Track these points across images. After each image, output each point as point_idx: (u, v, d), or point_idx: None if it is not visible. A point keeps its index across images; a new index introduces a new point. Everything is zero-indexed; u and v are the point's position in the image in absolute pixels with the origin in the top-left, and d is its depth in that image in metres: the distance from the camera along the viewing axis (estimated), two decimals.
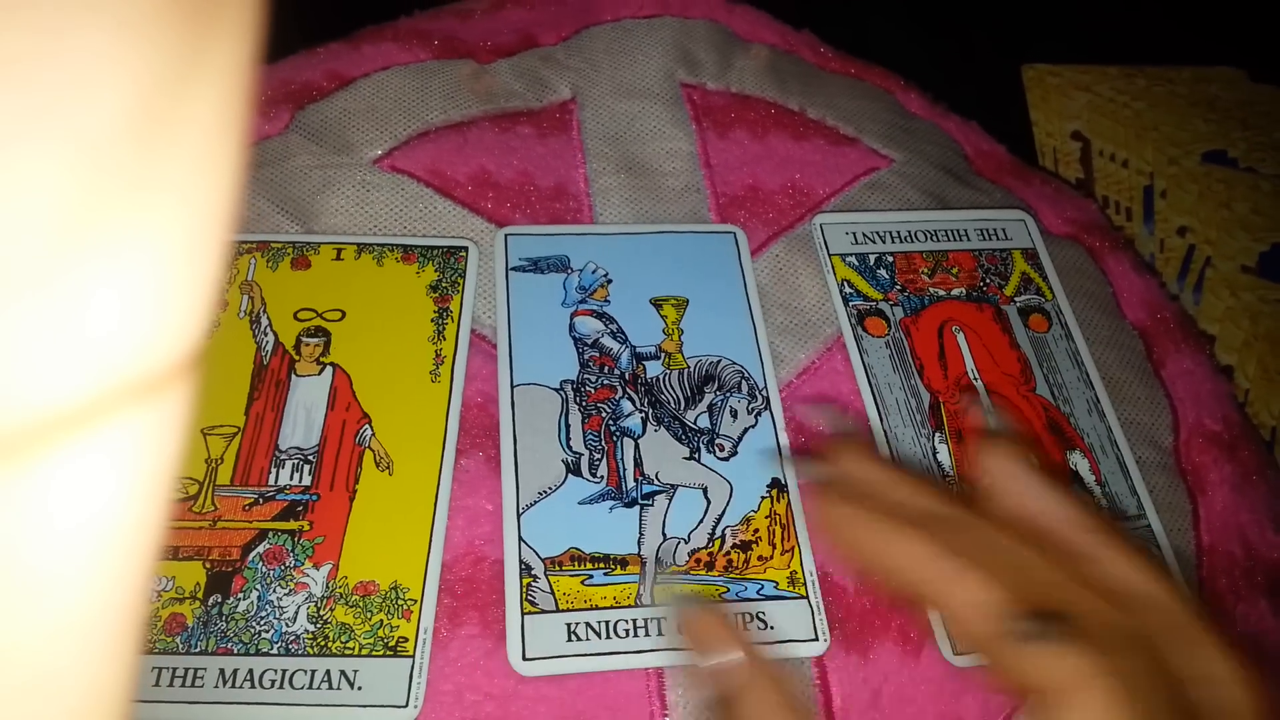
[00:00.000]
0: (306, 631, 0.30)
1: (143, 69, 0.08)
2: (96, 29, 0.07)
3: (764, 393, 0.36)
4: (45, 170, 0.08)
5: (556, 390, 0.36)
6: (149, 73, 0.08)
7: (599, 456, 0.34)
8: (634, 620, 0.31)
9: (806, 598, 0.32)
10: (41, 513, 0.09)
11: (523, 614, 0.31)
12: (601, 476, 0.34)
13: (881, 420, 0.36)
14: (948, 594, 0.24)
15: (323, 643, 0.30)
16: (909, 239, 0.41)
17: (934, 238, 0.41)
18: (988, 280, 0.40)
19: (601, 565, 0.32)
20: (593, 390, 0.36)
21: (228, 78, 0.09)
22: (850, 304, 0.39)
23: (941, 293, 0.39)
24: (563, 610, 0.31)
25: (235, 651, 0.30)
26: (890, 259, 0.40)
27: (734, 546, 0.33)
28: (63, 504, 0.09)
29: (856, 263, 0.40)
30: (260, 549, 0.31)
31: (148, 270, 0.09)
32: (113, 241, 0.08)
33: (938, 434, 0.36)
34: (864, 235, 0.41)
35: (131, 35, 0.08)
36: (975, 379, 0.37)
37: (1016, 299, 0.40)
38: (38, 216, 0.08)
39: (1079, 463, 0.36)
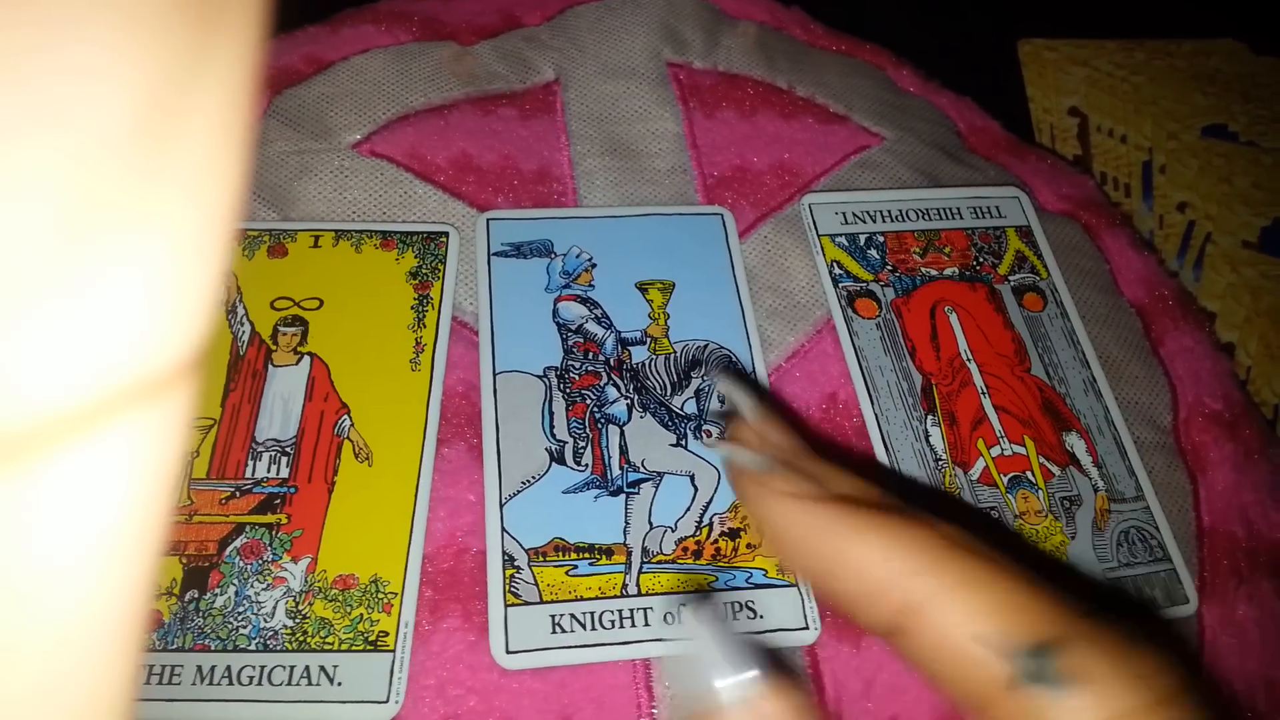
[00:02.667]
0: (285, 627, 0.29)
1: (149, 65, 0.08)
2: (102, 25, 0.07)
3: (752, 377, 0.35)
4: (50, 167, 0.08)
5: (540, 377, 0.35)
6: (155, 69, 0.08)
7: (584, 444, 0.34)
8: (620, 611, 0.30)
9: (796, 585, 0.31)
10: (46, 514, 0.09)
11: (506, 606, 0.30)
12: (586, 465, 0.33)
13: (873, 403, 0.35)
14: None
15: (302, 638, 0.29)
16: (900, 218, 0.40)
17: (926, 216, 0.40)
18: (981, 259, 0.39)
19: (586, 555, 0.31)
20: (577, 377, 0.35)
21: (233, 74, 0.09)
22: (840, 285, 0.38)
23: (934, 272, 0.39)
24: (547, 602, 0.30)
25: (213, 648, 0.29)
26: (881, 239, 0.39)
27: (722, 534, 0.32)
28: (67, 505, 0.09)
29: (846, 243, 0.39)
30: (237, 543, 0.31)
31: (154, 268, 0.09)
32: (119, 239, 0.08)
33: (930, 417, 0.35)
34: (854, 215, 0.40)
35: (137, 31, 0.08)
36: (968, 360, 0.36)
37: (1011, 278, 0.39)
38: (43, 214, 0.08)
39: (1076, 444, 0.35)
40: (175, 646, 0.29)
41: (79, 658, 0.10)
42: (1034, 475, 0.34)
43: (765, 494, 0.23)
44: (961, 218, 0.40)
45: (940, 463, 0.34)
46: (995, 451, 0.34)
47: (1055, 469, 0.34)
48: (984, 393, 0.35)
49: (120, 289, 0.08)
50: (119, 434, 0.09)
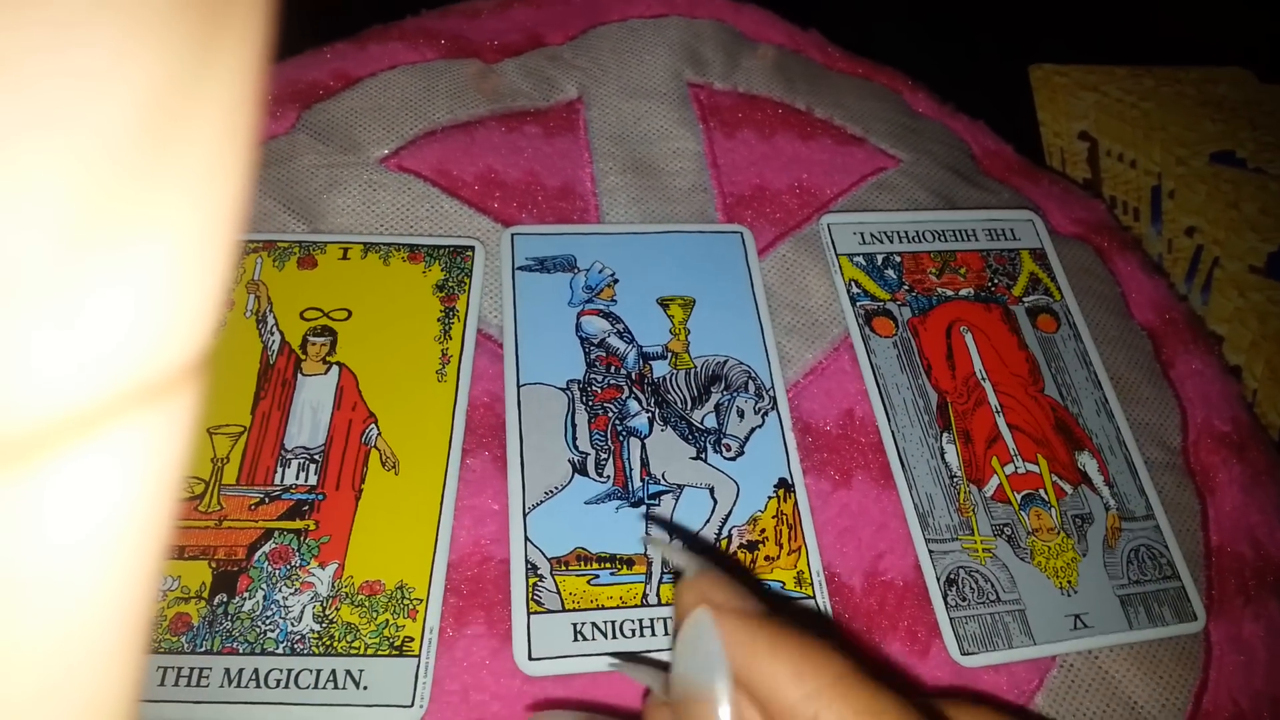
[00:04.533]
0: (312, 631, 0.30)
1: (154, 68, 0.08)
2: (107, 27, 0.07)
3: (771, 393, 0.36)
4: (56, 169, 0.08)
5: (563, 390, 0.35)
6: (160, 71, 0.08)
7: (605, 456, 0.34)
8: (640, 620, 0.31)
9: (814, 598, 0.32)
10: (50, 516, 0.09)
11: (529, 614, 0.31)
12: (608, 476, 0.34)
13: (889, 420, 0.36)
14: None
15: (328, 642, 0.30)
16: (916, 239, 0.41)
17: (941, 238, 0.41)
18: (996, 280, 0.40)
19: (608, 565, 0.32)
20: (599, 390, 0.36)
21: (238, 77, 0.09)
22: (858, 304, 0.39)
23: (949, 293, 0.39)
24: (569, 610, 0.31)
25: (241, 651, 0.30)
26: (898, 259, 0.40)
27: (741, 547, 0.33)
28: (71, 507, 0.09)
29: (864, 263, 0.40)
30: (266, 548, 0.31)
31: (158, 270, 0.09)
32: (123, 242, 0.08)
33: (945, 434, 0.36)
34: (871, 235, 0.41)
35: (143, 34, 0.08)
36: (983, 379, 0.37)
37: (1025, 299, 0.40)
38: (49, 216, 0.08)
39: (1088, 464, 0.36)
40: (204, 649, 0.30)
41: (83, 658, 0.10)
42: (1047, 493, 0.35)
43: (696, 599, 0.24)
44: (977, 239, 0.41)
45: (955, 479, 0.34)
46: (1009, 469, 0.35)
47: (1068, 487, 0.35)
48: (998, 411, 0.36)
49: (124, 292, 0.08)
50: (123, 436, 0.09)
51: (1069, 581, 0.33)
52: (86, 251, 0.08)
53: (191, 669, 0.29)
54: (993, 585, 0.32)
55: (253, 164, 0.10)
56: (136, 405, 0.09)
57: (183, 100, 0.08)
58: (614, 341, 0.37)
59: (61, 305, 0.08)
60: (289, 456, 0.33)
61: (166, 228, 0.09)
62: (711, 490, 0.34)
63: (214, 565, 0.31)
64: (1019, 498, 0.34)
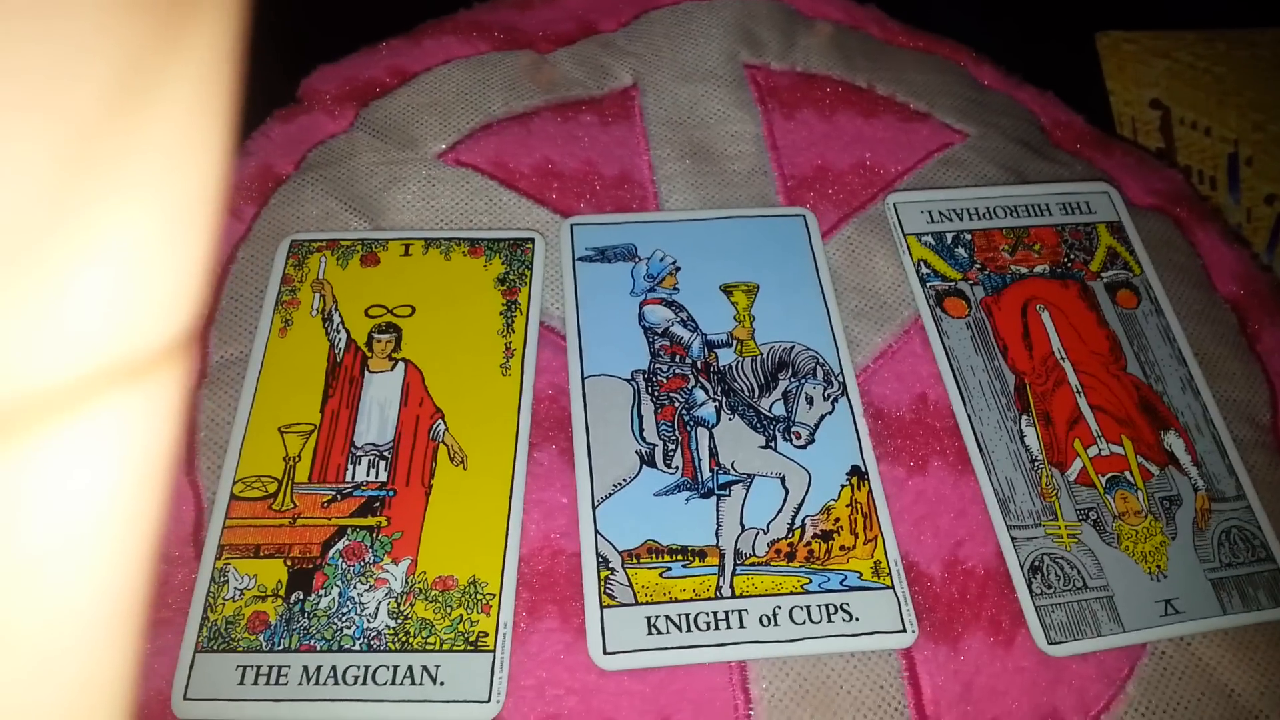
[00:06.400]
0: (388, 627, 0.30)
1: (122, 52, 0.08)
2: (76, 13, 0.08)
3: (840, 378, 0.35)
4: (27, 153, 0.08)
5: (628, 381, 0.35)
6: (129, 56, 0.08)
7: (673, 447, 0.34)
8: (714, 613, 0.30)
9: (892, 588, 0.31)
10: (32, 496, 0.09)
11: (602, 607, 0.30)
12: (676, 467, 0.33)
13: (965, 403, 0.35)
14: None
15: (404, 638, 0.30)
16: (987, 215, 0.39)
17: (1014, 213, 0.39)
18: (1072, 256, 0.39)
19: (680, 557, 0.31)
20: (665, 380, 0.35)
21: (208, 61, 0.09)
22: (928, 284, 0.38)
23: (1024, 270, 0.38)
24: (642, 603, 0.30)
25: (319, 648, 0.30)
26: (968, 237, 0.39)
27: (815, 536, 0.32)
28: (53, 487, 0.09)
29: (933, 242, 0.39)
30: (340, 545, 0.31)
31: (132, 253, 0.09)
32: (95, 224, 0.08)
33: (1024, 417, 0.34)
34: (940, 213, 0.39)
35: (111, 19, 0.08)
36: (1062, 359, 0.36)
37: (1103, 274, 0.38)
38: (20, 199, 0.08)
39: (1174, 443, 0.34)
40: (282, 647, 0.30)
41: (74, 636, 0.10)
42: (1133, 475, 0.33)
43: None
44: (1051, 214, 0.40)
45: (1036, 463, 0.33)
46: (1092, 451, 0.34)
47: (1154, 468, 0.34)
48: (1079, 392, 0.35)
49: (99, 272, 0.08)
50: (102, 416, 0.09)
51: (1158, 566, 0.32)
52: (60, 235, 0.08)
53: (270, 667, 0.29)
54: (1079, 571, 0.31)
55: (227, 147, 0.10)
56: (115, 386, 0.09)
57: (152, 86, 0.08)
58: (678, 330, 0.36)
59: (37, 287, 0.08)
60: (359, 454, 0.33)
61: (139, 212, 0.09)
62: (783, 479, 0.33)
63: (289, 563, 0.31)
64: (1104, 480, 0.33)
